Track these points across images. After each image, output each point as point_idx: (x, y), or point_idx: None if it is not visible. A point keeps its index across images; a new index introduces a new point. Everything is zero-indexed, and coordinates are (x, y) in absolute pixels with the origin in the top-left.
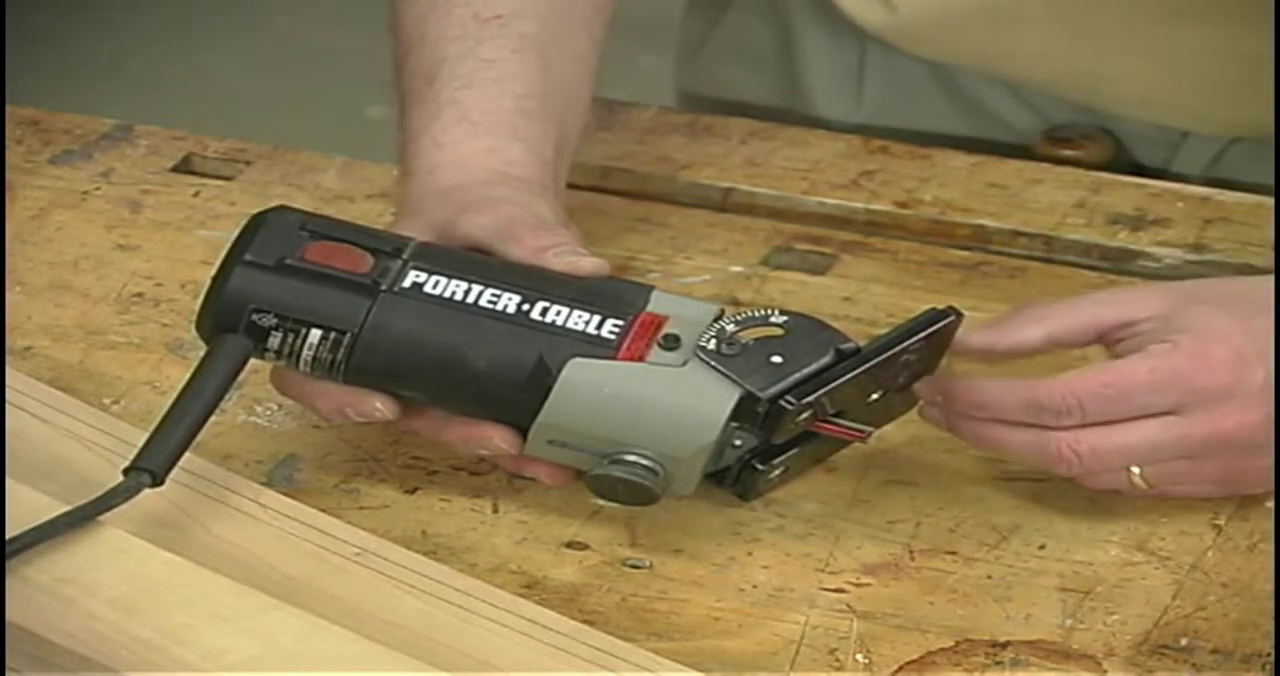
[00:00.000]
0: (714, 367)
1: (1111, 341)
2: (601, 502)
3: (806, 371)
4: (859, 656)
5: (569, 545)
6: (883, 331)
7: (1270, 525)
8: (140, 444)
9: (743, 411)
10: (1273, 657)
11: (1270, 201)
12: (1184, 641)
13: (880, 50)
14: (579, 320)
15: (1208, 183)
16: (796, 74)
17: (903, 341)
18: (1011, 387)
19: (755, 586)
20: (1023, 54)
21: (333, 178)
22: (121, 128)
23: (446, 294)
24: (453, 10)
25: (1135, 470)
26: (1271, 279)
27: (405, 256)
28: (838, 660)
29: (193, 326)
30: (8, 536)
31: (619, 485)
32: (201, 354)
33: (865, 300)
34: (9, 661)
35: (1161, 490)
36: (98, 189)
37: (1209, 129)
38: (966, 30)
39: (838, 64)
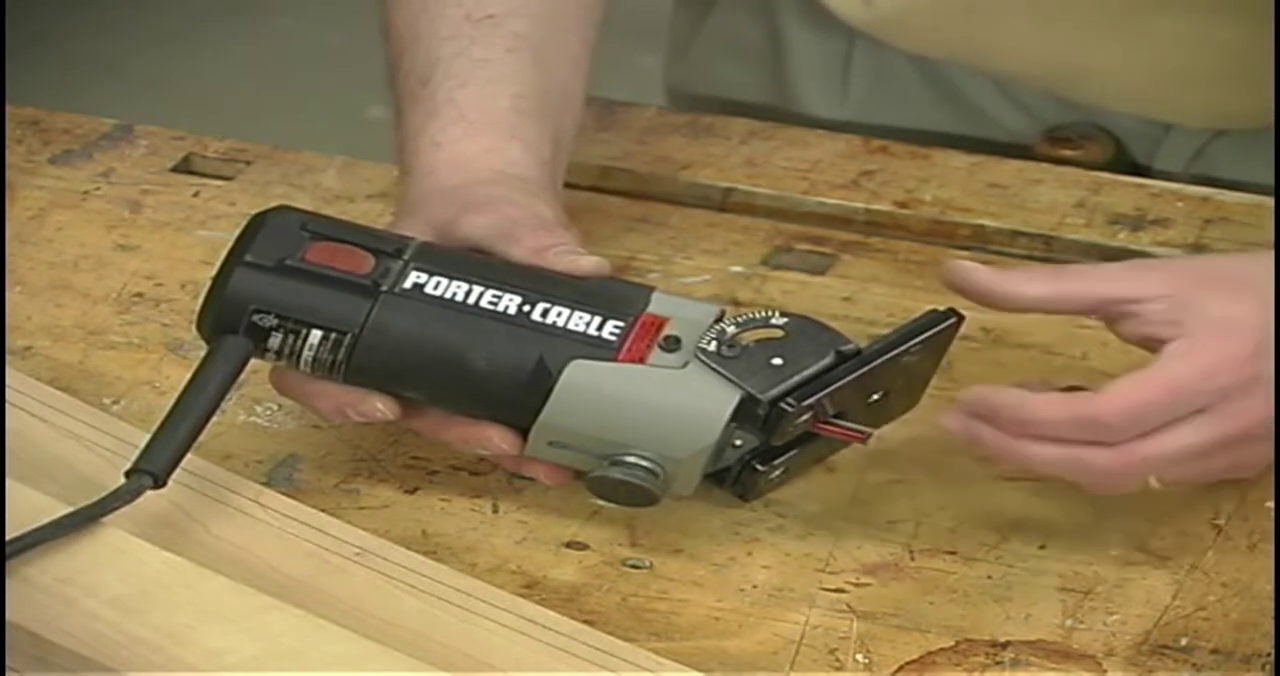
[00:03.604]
0: (714, 369)
1: (1113, 317)
2: (601, 503)
3: (807, 373)
4: (859, 656)
5: (569, 545)
6: (883, 331)
7: (1270, 525)
8: (141, 444)
9: (743, 413)
10: (1273, 657)
11: (1270, 201)
12: (1184, 641)
13: (867, 46)
14: (580, 321)
15: (1191, 179)
16: (783, 70)
17: (903, 343)
18: (1061, 404)
19: (755, 586)
20: (1002, 46)
21: (333, 178)
22: (121, 128)
23: (447, 295)
24: (445, 11)
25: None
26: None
27: (406, 257)
28: (838, 660)
29: (193, 326)
30: (8, 537)
31: (619, 486)
32: (202, 354)
33: (865, 300)
34: (9, 661)
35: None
36: (98, 189)
37: (1190, 121)
38: (943, 23)
39: (824, 60)
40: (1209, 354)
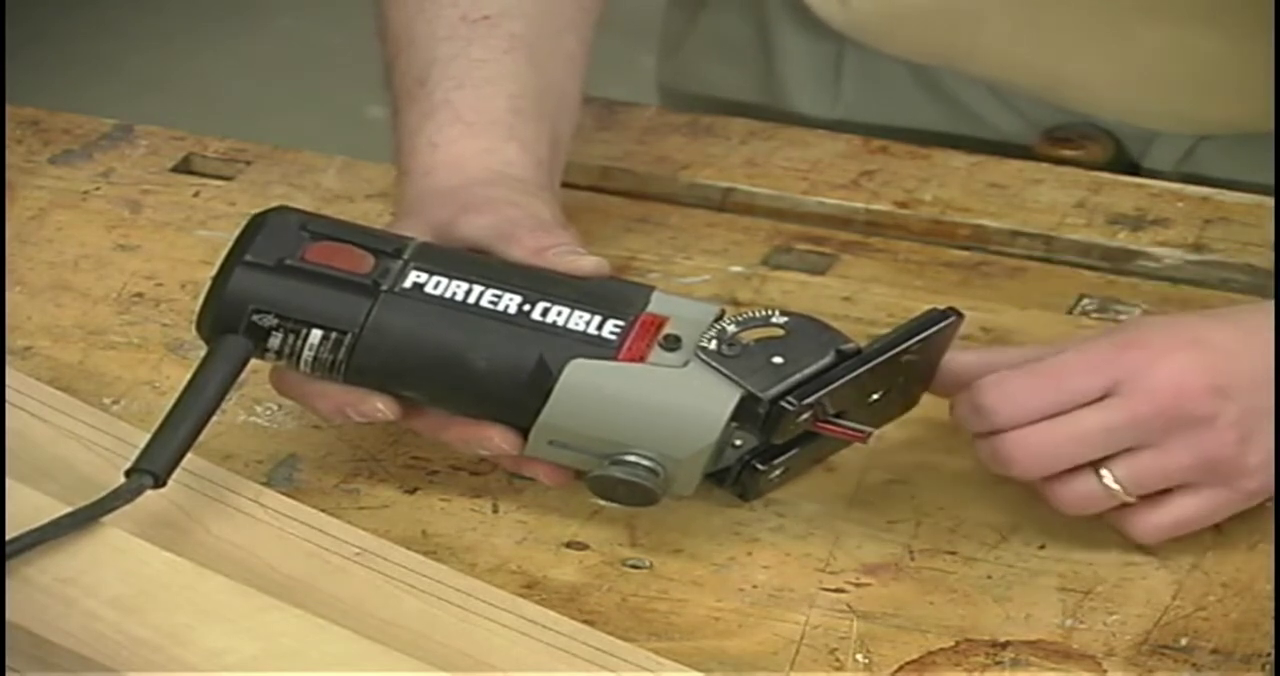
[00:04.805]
0: (715, 368)
1: None
2: (602, 503)
3: (807, 372)
4: (859, 656)
5: (569, 545)
6: (883, 331)
7: (1270, 525)
8: (141, 444)
9: (743, 412)
10: (1273, 657)
11: (1270, 201)
12: (1184, 641)
13: (857, 48)
14: (580, 321)
15: (1181, 179)
16: (774, 69)
17: (903, 342)
18: (965, 394)
19: (755, 586)
20: (983, 52)
21: (333, 178)
22: (121, 128)
23: (447, 294)
24: (440, 12)
25: (1106, 475)
26: (1216, 315)
27: (406, 257)
28: (838, 660)
29: (193, 326)
30: (8, 537)
31: (619, 486)
32: (202, 354)
33: (865, 300)
34: (9, 661)
35: (1148, 516)
36: (98, 189)
37: (1172, 128)
38: (922, 28)
39: (814, 60)
40: (1111, 342)
